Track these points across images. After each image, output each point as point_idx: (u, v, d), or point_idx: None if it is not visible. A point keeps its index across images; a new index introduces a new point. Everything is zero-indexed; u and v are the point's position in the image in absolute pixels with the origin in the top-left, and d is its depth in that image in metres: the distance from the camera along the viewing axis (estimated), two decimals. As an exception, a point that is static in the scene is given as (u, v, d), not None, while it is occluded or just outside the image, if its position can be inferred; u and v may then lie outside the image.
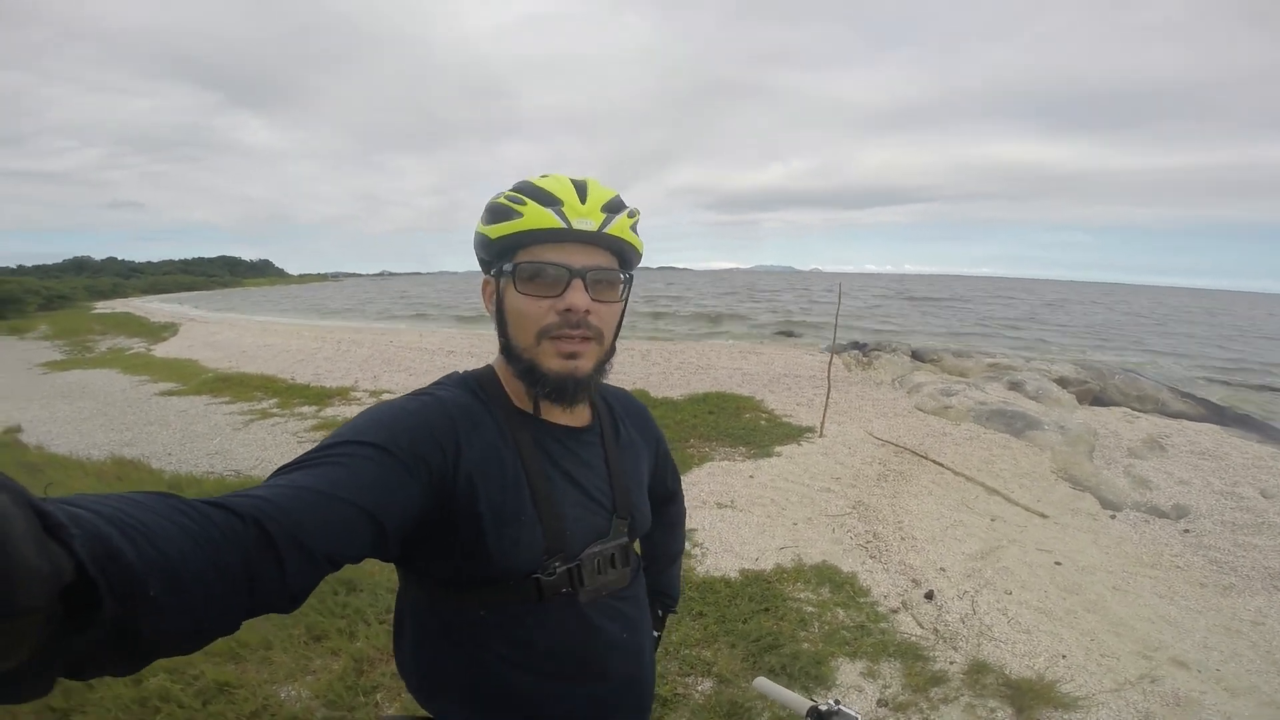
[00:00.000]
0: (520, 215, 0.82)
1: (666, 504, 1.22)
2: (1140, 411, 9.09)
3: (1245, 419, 9.29)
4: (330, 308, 38.84)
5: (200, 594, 0.46)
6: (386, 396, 8.92)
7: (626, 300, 0.91)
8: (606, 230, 0.83)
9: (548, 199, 0.82)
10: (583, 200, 0.83)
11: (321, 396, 9.13)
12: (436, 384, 0.89)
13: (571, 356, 0.83)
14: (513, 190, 0.85)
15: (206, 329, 21.39)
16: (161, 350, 15.93)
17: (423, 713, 0.92)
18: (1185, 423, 8.47)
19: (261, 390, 9.69)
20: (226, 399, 9.13)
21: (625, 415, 1.04)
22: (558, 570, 0.83)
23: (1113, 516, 5.31)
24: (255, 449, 6.55)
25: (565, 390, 0.85)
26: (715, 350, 14.05)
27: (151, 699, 2.20)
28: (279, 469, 0.67)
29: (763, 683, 1.18)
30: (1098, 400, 9.66)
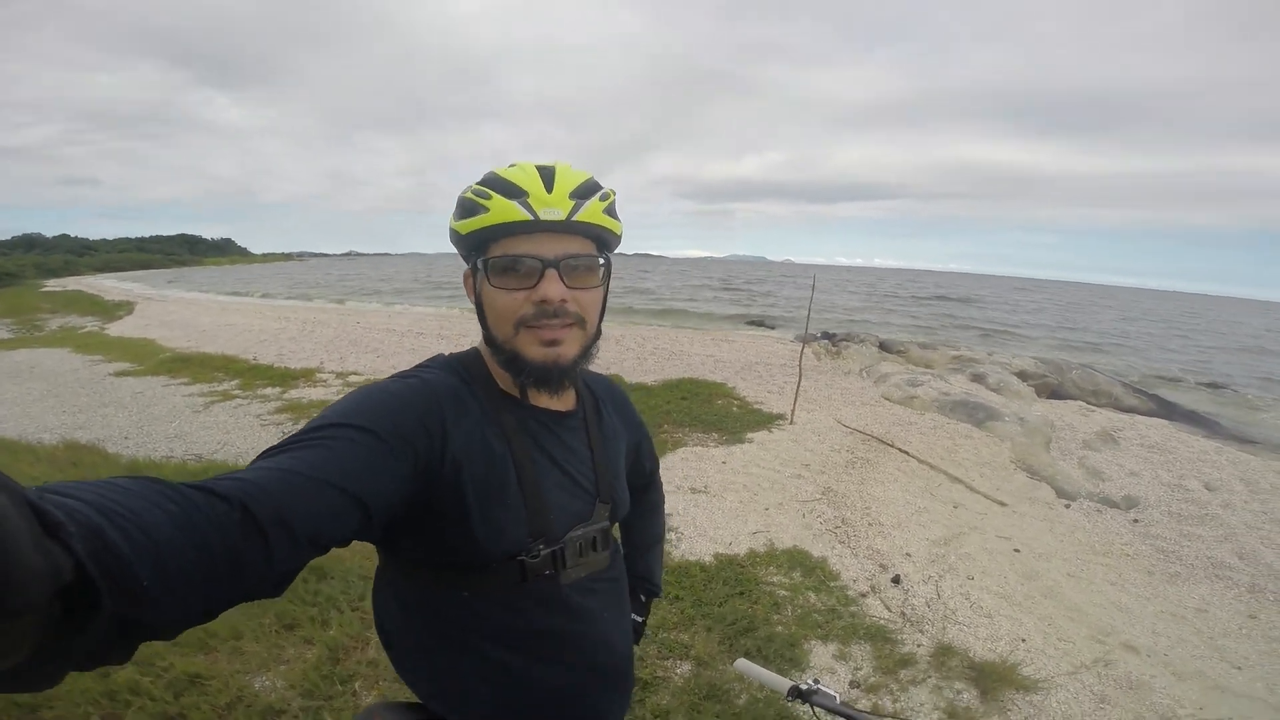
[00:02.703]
0: (486, 210, 0.81)
1: (645, 489, 1.24)
2: (1095, 406, 9.43)
3: (1192, 415, 9.70)
4: (300, 283, 37.80)
5: (188, 579, 0.46)
6: (354, 379, 8.77)
7: (608, 283, 0.90)
8: (576, 217, 0.82)
9: (513, 191, 0.81)
10: (549, 189, 0.82)
11: (285, 378, 8.91)
12: (421, 366, 0.89)
13: (553, 344, 0.83)
14: (479, 184, 0.84)
15: (163, 307, 20.66)
16: (116, 329, 15.34)
17: (407, 697, 0.92)
18: (1137, 417, 8.80)
19: (222, 371, 9.41)
20: (185, 380, 8.85)
21: (607, 401, 1.06)
22: (541, 552, 0.84)
23: (1067, 506, 5.51)
24: (217, 432, 6.37)
25: (549, 377, 0.85)
26: (688, 337, 14.12)
27: (121, 692, 2.14)
28: (263, 452, 0.66)
29: (744, 664, 1.22)
30: (1055, 394, 9.98)
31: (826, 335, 13.20)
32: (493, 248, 0.83)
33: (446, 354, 0.93)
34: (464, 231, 0.84)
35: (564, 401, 0.95)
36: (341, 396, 0.78)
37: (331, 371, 9.43)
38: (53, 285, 34.39)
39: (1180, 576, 4.24)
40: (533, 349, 0.83)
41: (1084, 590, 3.82)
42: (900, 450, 6.31)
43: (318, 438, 0.68)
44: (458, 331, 14.19)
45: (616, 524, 1.02)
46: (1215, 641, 3.39)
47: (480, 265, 0.84)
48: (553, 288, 0.81)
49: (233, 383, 8.69)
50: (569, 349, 0.85)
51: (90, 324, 17.04)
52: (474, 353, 0.92)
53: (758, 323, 21.94)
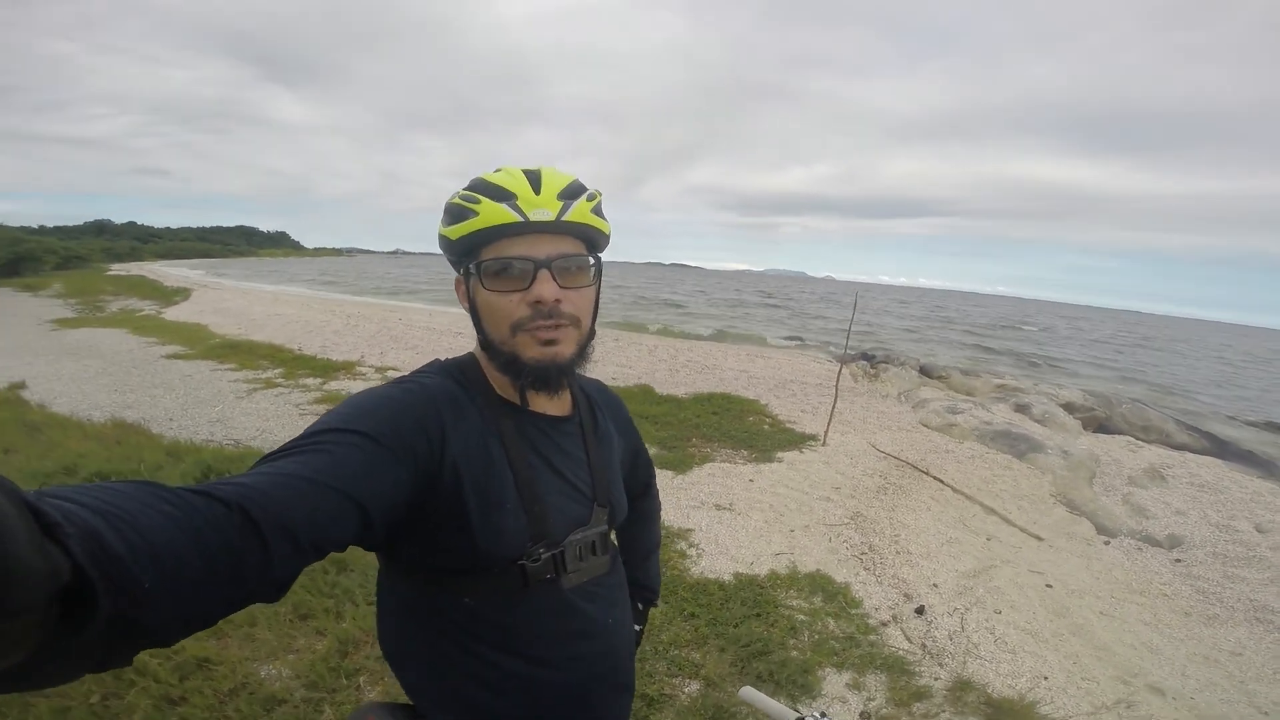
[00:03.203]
0: (475, 213, 0.82)
1: (641, 496, 1.23)
2: (1144, 441, 9.04)
3: (1248, 455, 9.22)
4: (350, 283, 38.87)
5: (187, 583, 0.46)
6: (392, 374, 8.93)
7: (599, 283, 0.91)
8: (565, 218, 0.83)
9: (501, 194, 0.82)
10: (537, 191, 0.83)
11: (327, 369, 9.14)
12: (419, 371, 0.90)
13: (550, 343, 0.83)
14: (466, 189, 0.86)
15: (218, 295, 21.46)
16: (172, 314, 15.99)
17: (406, 701, 0.92)
18: (1188, 455, 8.42)
19: (268, 359, 9.71)
20: (232, 366, 9.15)
21: (602, 406, 1.06)
22: (542, 557, 0.84)
23: (1107, 543, 5.28)
24: (256, 419, 6.55)
25: (548, 377, 0.85)
26: (722, 351, 14.02)
27: (126, 673, 2.17)
28: (264, 457, 0.66)
29: (749, 692, 1.19)
30: (1103, 428, 9.61)
31: (865, 356, 12.95)
32: (483, 251, 0.84)
33: (443, 359, 0.94)
34: (454, 237, 0.85)
35: (560, 406, 0.95)
36: (343, 403, 0.78)
37: (371, 365, 9.62)
38: (117, 269, 36.06)
39: (1219, 619, 4.03)
40: (530, 349, 0.84)
41: (1115, 629, 3.66)
42: (935, 478, 6.14)
43: (317, 442, 0.68)
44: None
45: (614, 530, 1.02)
46: (1246, 686, 3.21)
47: (473, 270, 0.85)
48: (546, 288, 0.82)
49: (276, 371, 8.94)
50: (566, 348, 0.85)
51: (148, 307, 17.80)
52: (470, 358, 0.93)
53: (795, 339, 21.70)
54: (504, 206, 0.81)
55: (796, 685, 2.60)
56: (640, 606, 1.27)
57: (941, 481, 6.06)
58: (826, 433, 7.09)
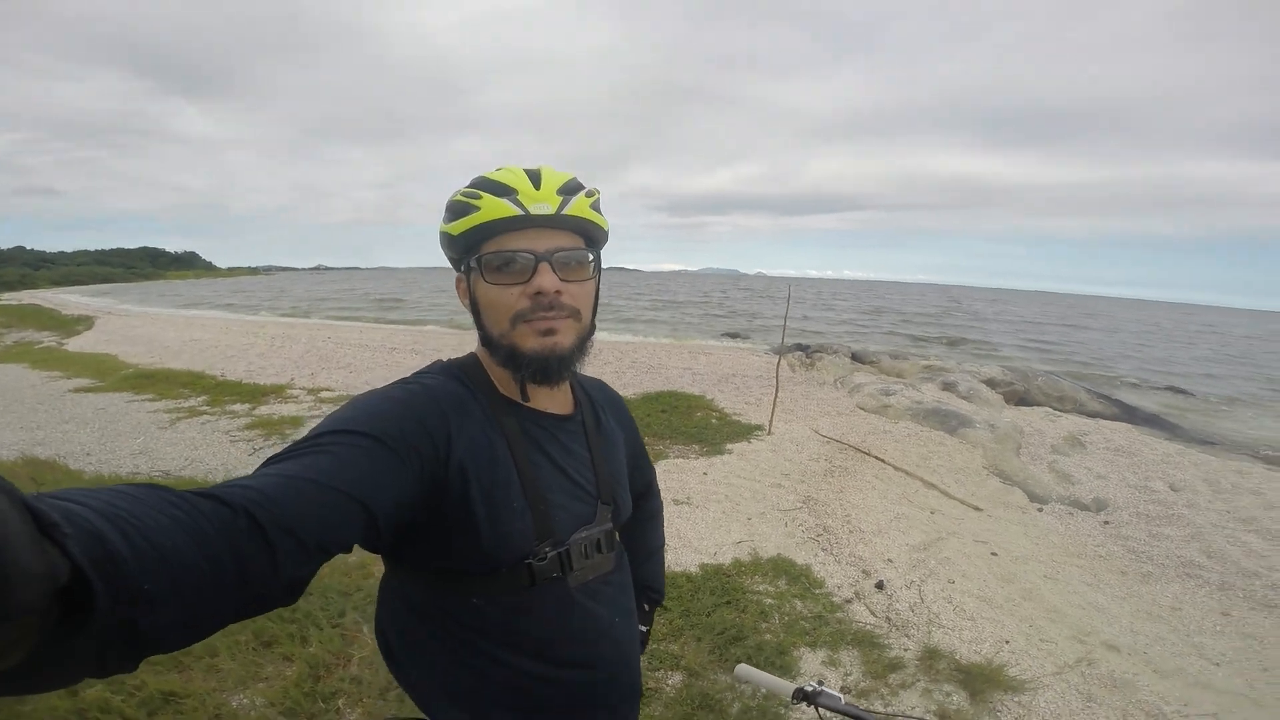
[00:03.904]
0: (477, 209, 0.84)
1: (644, 494, 1.25)
2: (1061, 411, 9.68)
3: (1155, 418, 10.01)
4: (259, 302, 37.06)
5: (193, 586, 0.45)
6: (326, 395, 8.61)
7: (599, 278, 0.92)
8: (565, 212, 0.85)
9: (502, 189, 0.84)
10: (537, 186, 0.85)
11: (255, 394, 8.71)
12: (421, 372, 0.89)
13: (549, 333, 0.84)
14: (468, 186, 0.87)
15: (125, 322, 20.12)
16: (75, 344, 14.86)
17: (396, 712, 0.91)
18: (1101, 421, 9.07)
19: (189, 387, 9.17)
20: (150, 396, 8.59)
21: (604, 405, 1.07)
22: (548, 555, 0.85)
23: (1040, 509, 5.63)
24: (184, 448, 6.19)
25: (548, 369, 0.86)
26: (666, 350, 14.16)
27: (90, 710, 2.05)
28: (267, 460, 0.66)
29: (745, 669, 1.22)
30: (1023, 400, 10.22)
31: (800, 347, 13.35)
32: (485, 246, 0.85)
33: (445, 359, 0.93)
34: (456, 233, 0.86)
35: (562, 405, 0.96)
36: (345, 403, 0.78)
37: (303, 387, 9.24)
38: (8, 299, 33.23)
39: (1153, 576, 4.36)
40: (530, 341, 0.84)
41: (1061, 591, 3.90)
42: (877, 458, 6.39)
43: (321, 444, 0.68)
44: (432, 347, 14.03)
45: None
46: (1192, 639, 3.47)
47: (474, 264, 0.86)
48: (546, 280, 0.83)
49: (200, 399, 8.46)
50: (565, 339, 0.86)
51: (48, 339, 16.51)
52: (472, 357, 0.93)
53: (733, 335, 22.13)
54: (505, 201, 0.83)
55: (776, 667, 2.66)
56: (646, 607, 1.27)
57: (883, 461, 6.32)
58: (771, 422, 7.27)
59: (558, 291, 0.84)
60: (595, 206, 0.90)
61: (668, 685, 2.49)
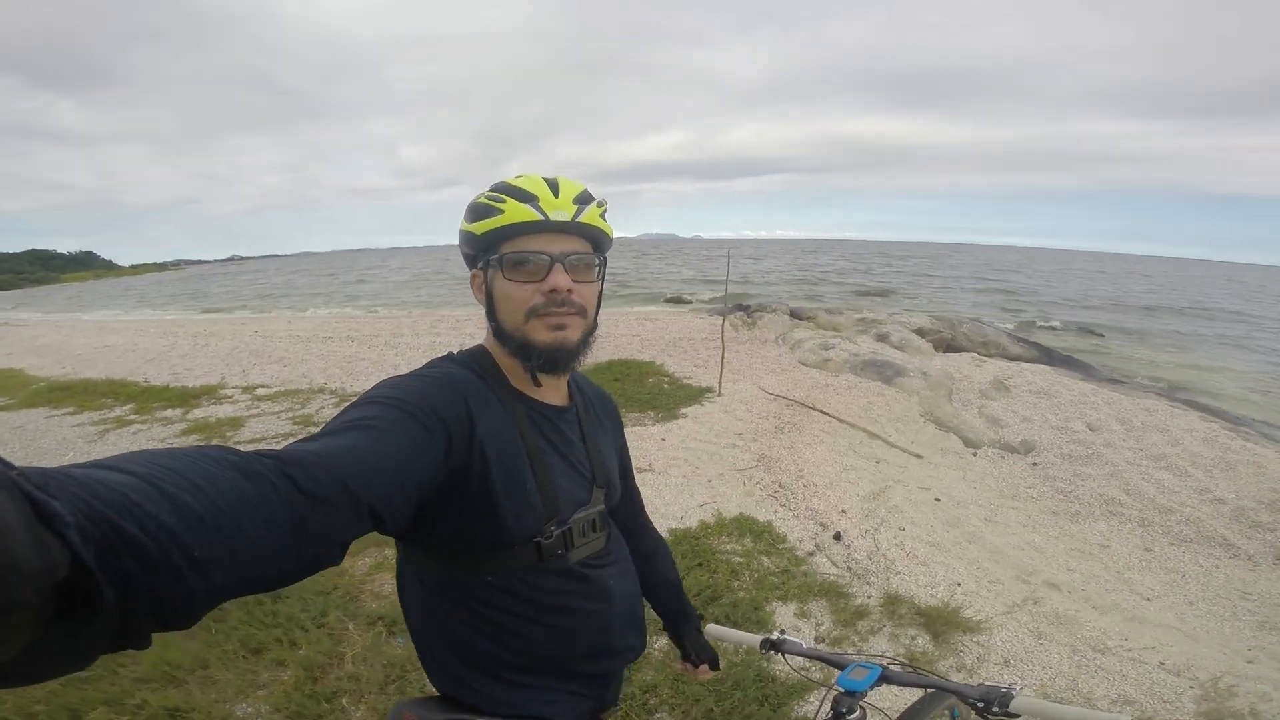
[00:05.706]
0: (501, 211, 0.92)
1: (628, 495, 1.29)
2: (986, 356, 10.25)
3: (1069, 359, 10.75)
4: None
5: (247, 547, 0.48)
6: (263, 393, 8.28)
7: (602, 280, 1.01)
8: (580, 219, 0.94)
9: (524, 196, 0.92)
10: (556, 195, 0.93)
11: (185, 397, 8.25)
12: (432, 364, 0.95)
13: (560, 328, 0.93)
14: (492, 190, 0.95)
15: (25, 332, 18.53)
16: (-31, 363, 13.59)
17: (430, 692, 1.00)
18: (1023, 364, 9.64)
19: (111, 396, 8.57)
20: (70, 409, 7.96)
21: (595, 401, 1.16)
22: (554, 534, 0.94)
23: (974, 454, 6.02)
24: (118, 458, 5.85)
25: (557, 360, 0.94)
26: (614, 318, 14.16)
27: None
28: (301, 440, 0.68)
29: (714, 628, 1.34)
30: (951, 347, 10.77)
31: (741, 307, 13.60)
32: (504, 246, 0.93)
33: (454, 352, 1.00)
34: (479, 232, 0.93)
35: (560, 397, 1.04)
36: (371, 387, 0.83)
37: (236, 386, 8.80)
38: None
39: (1080, 515, 4.73)
40: (541, 334, 0.92)
41: (1001, 533, 4.20)
42: (822, 412, 6.64)
43: (356, 420, 0.73)
44: (369, 332, 13.57)
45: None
46: (1122, 575, 3.80)
47: (494, 261, 0.94)
48: (560, 279, 0.91)
49: (126, 408, 7.93)
50: (573, 334, 0.94)
51: (-66, 358, 15.01)
52: (482, 349, 1.00)
53: (675, 299, 22.30)
54: (527, 206, 0.91)
55: (751, 622, 2.80)
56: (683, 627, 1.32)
57: (828, 414, 6.58)
58: (720, 383, 7.43)
59: (569, 290, 0.92)
60: (603, 216, 0.99)
61: (655, 649, 2.60)
